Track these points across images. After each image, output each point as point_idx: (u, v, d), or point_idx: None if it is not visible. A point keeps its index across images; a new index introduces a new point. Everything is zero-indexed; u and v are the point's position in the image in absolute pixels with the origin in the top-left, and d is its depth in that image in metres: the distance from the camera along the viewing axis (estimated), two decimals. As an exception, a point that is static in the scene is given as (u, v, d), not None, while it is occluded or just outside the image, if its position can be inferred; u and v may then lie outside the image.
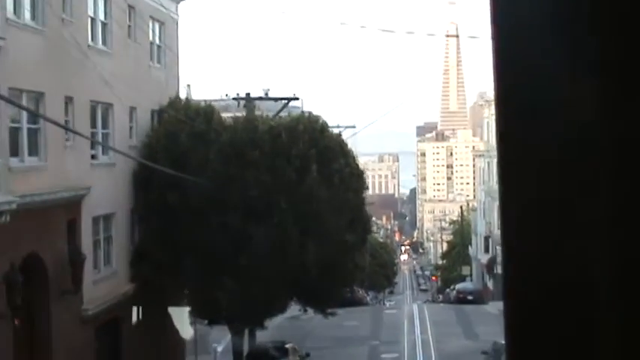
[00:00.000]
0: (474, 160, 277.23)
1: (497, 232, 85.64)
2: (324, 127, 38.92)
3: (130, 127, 37.16)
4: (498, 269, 79.31)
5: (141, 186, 36.74)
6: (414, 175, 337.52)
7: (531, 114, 1.78)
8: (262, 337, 48.42)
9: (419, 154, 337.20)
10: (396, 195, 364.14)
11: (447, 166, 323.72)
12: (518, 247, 1.81)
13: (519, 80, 1.80)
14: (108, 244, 34.65)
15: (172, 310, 39.46)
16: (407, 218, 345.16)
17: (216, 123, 37.46)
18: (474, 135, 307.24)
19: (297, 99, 42.09)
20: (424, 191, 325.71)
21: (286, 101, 42.27)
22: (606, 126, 1.70)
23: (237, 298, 35.30)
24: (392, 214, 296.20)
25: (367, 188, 40.72)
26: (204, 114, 37.71)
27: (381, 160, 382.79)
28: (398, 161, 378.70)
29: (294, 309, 62.15)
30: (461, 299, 72.52)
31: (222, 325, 40.67)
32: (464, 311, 63.20)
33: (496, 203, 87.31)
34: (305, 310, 42.69)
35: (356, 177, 39.17)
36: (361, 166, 40.56)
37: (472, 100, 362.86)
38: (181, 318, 41.55)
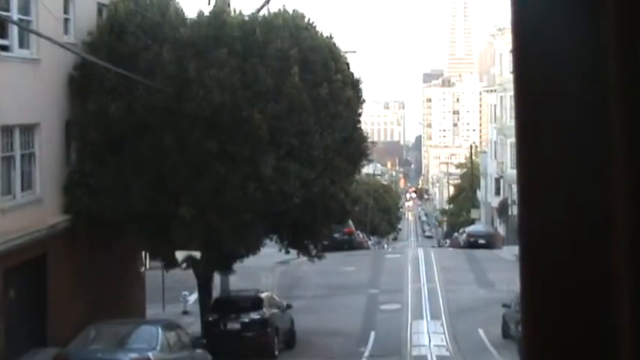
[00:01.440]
0: (480, 101, 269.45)
1: (509, 172, 78.24)
2: (309, 25, 30.75)
3: (66, 20, 29.10)
4: (512, 211, 71.83)
5: (78, 94, 28.78)
6: (420, 123, 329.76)
7: (554, 95, 1.74)
8: (241, 284, 40.80)
9: (425, 99, 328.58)
10: (402, 142, 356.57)
11: (454, 112, 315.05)
12: (536, 192, 1.77)
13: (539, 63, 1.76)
14: (28, 164, 26.72)
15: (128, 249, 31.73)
16: (412, 165, 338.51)
17: (173, 15, 29.34)
18: (480, 80, 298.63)
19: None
20: (430, 137, 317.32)
21: (267, -1, 33.94)
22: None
23: (196, 234, 27.47)
24: (397, 161, 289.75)
25: (363, 101, 32.56)
26: (158, 4, 29.58)
27: (386, 106, 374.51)
28: (404, 108, 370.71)
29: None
30: (472, 243, 64.60)
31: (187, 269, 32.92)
32: (475, 256, 55.27)
33: (509, 141, 79.86)
34: (287, 252, 34.65)
35: (349, 86, 31.06)
36: (357, 80, 32.39)
37: (479, 46, 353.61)
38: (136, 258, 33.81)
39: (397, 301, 41.21)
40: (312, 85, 29.17)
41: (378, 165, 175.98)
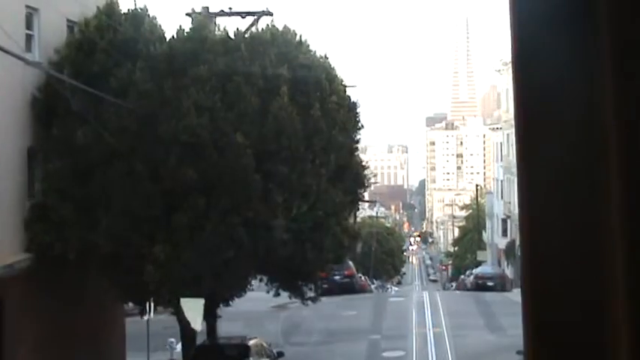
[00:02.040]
0: (484, 143, 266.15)
1: (517, 212, 74.85)
2: (301, 42, 27.54)
3: (30, 36, 25.95)
4: (520, 252, 68.23)
5: (42, 117, 25.54)
6: (424, 167, 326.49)
7: (552, 97, 1.78)
8: (233, 330, 37.35)
9: (428, 142, 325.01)
10: (405, 186, 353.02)
11: (457, 156, 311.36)
12: (539, 236, 1.80)
13: (537, 72, 1.80)
14: (-18, 195, 23.43)
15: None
16: (416, 210, 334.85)
17: (148, 31, 26.15)
18: (484, 123, 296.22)
19: (271, 14, 30.37)
20: (433, 181, 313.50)
21: (256, 17, 30.71)
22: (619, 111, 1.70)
23: (172, 275, 24.08)
24: (400, 205, 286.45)
25: (361, 127, 29.22)
26: (132, 18, 26.40)
27: (389, 150, 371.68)
28: (407, 152, 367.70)
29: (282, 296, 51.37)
30: (480, 285, 60.87)
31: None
32: (484, 299, 51.60)
33: (516, 179, 76.71)
34: (277, 294, 31.18)
35: (346, 109, 27.78)
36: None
37: (482, 90, 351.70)
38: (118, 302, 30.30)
39: (401, 347, 37.69)
40: (304, 106, 25.94)
41: (382, 208, 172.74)
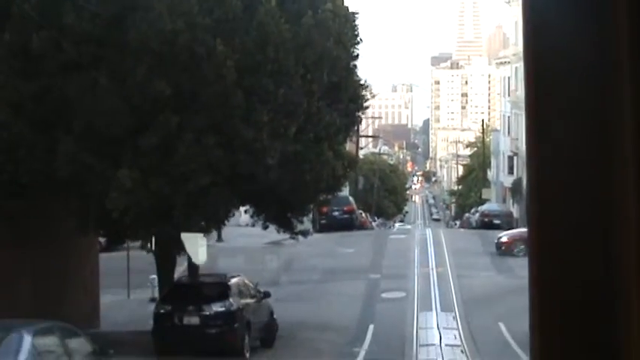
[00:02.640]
0: (489, 83, 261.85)
1: (524, 149, 71.54)
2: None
3: None
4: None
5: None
6: (428, 107, 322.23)
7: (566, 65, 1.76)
8: (220, 267, 34.32)
9: (433, 82, 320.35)
10: (409, 125, 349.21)
11: (462, 95, 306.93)
12: (547, 192, 1.79)
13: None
14: None
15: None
16: (419, 149, 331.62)
17: None
18: (489, 64, 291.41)
19: None
20: (438, 120, 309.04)
21: None
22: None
23: (139, 202, 20.78)
24: (404, 144, 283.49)
25: (360, 41, 25.58)
26: None
27: (394, 90, 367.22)
28: (411, 91, 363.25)
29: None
30: (485, 223, 57.50)
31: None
32: (491, 237, 48.37)
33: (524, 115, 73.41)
34: (265, 227, 27.86)
35: (342, 20, 24.23)
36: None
37: (488, 30, 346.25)
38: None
39: (401, 288, 34.57)
40: (294, 14, 22.46)
41: (385, 147, 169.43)
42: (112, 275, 33.57)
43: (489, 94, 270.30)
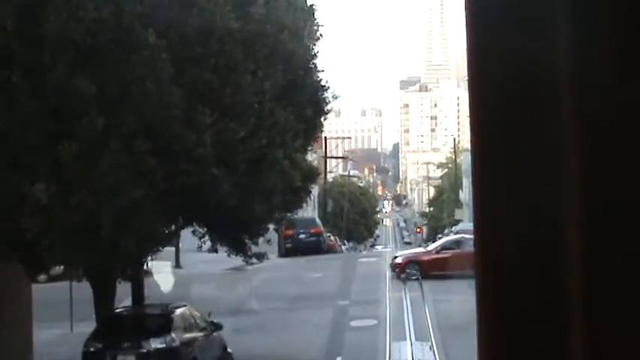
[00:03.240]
0: (458, 106, 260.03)
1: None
2: None
3: None
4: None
5: None
6: (397, 131, 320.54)
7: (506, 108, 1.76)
8: (173, 297, 30.98)
9: (402, 105, 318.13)
10: (379, 149, 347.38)
11: (431, 118, 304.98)
12: (492, 208, 1.80)
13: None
14: None
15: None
16: (390, 173, 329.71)
17: None
18: (458, 86, 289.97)
19: None
20: (407, 143, 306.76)
21: None
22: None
23: (59, 220, 17.40)
24: (374, 168, 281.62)
25: (320, 37, 22.27)
26: None
27: (363, 114, 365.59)
28: (381, 115, 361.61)
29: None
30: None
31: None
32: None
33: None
34: (213, 250, 24.44)
35: (299, 10, 21.01)
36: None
37: (457, 53, 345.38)
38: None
39: (372, 315, 31.29)
40: (242, 2, 19.23)
41: (355, 171, 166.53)
42: (55, 307, 30.33)
43: (459, 117, 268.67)
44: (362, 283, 38.06)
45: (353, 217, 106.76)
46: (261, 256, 24.43)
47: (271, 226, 24.25)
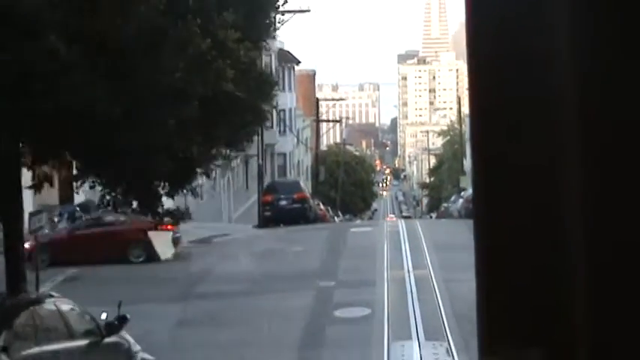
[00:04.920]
0: (457, 78, 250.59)
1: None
2: None
3: None
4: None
5: None
6: (395, 106, 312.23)
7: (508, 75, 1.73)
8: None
9: (400, 78, 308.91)
10: (377, 124, 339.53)
11: (430, 91, 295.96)
12: (490, 190, 1.77)
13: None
14: None
15: None
16: (387, 148, 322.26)
17: None
18: (457, 58, 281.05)
19: None
20: (406, 117, 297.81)
21: None
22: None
23: None
24: (372, 142, 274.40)
25: None
26: None
27: (361, 88, 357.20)
28: (378, 90, 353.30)
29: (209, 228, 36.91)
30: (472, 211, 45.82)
31: None
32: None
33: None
34: (106, 205, 15.72)
35: None
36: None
37: (454, 27, 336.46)
38: None
39: (364, 301, 22.78)
40: None
41: (352, 146, 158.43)
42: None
43: (457, 90, 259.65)
44: (353, 258, 29.43)
45: (348, 189, 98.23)
46: (179, 215, 15.84)
47: (200, 170, 15.64)
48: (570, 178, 1.67)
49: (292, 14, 15.74)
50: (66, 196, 32.72)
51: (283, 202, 40.87)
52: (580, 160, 1.65)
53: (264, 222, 41.50)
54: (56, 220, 30.54)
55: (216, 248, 33.11)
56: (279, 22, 16.92)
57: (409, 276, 25.85)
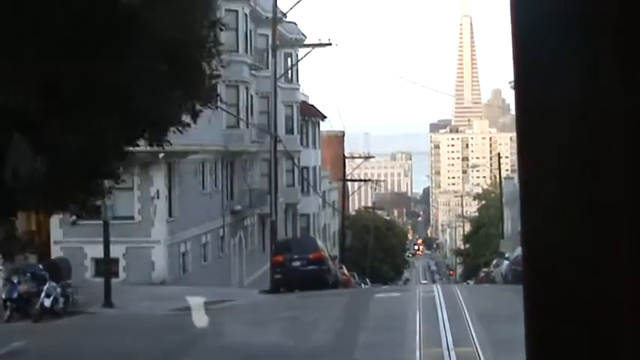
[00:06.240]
0: (490, 147, 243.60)
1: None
2: None
3: None
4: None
5: None
6: (427, 175, 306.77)
7: (552, 111, 1.71)
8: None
9: (433, 146, 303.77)
10: (409, 194, 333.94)
11: (462, 159, 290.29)
12: (541, 250, 1.73)
13: (539, 76, 1.71)
14: None
15: None
16: (420, 218, 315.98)
17: None
18: (490, 126, 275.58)
19: None
20: (438, 186, 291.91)
21: None
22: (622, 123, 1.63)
23: None
24: (404, 212, 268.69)
25: None
26: None
27: (393, 158, 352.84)
28: (411, 159, 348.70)
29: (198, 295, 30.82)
30: (520, 275, 39.14)
31: None
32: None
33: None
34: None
35: None
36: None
37: (486, 96, 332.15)
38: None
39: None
40: None
41: (382, 211, 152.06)
42: None
43: (491, 157, 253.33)
44: (376, 331, 22.70)
45: (379, 255, 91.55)
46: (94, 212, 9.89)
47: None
48: (620, 197, 1.61)
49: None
50: None
51: (297, 263, 34.16)
52: (633, 181, 1.61)
53: (274, 286, 34.89)
54: None
55: (209, 316, 26.63)
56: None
57: (449, 354, 19.14)
